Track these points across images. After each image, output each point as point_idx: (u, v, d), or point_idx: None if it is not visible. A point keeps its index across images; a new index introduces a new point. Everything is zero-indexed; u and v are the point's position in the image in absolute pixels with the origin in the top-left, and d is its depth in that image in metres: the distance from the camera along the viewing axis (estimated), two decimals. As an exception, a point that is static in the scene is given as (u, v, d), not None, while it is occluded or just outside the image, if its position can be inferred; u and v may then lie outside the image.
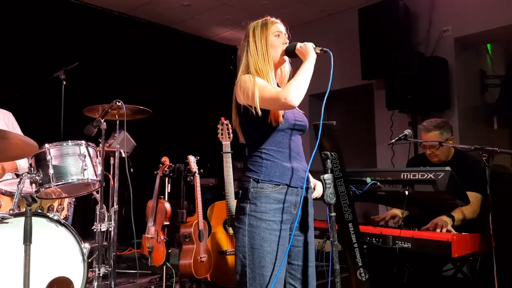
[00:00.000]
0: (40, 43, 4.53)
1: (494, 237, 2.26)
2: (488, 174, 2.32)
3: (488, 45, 4.99)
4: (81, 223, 3.32)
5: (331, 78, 1.76)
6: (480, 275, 2.56)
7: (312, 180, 2.05)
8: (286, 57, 1.94)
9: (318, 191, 2.05)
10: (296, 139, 1.91)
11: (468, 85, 4.58)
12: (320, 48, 1.86)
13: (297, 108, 1.95)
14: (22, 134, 3.12)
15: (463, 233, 2.33)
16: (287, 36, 1.96)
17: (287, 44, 1.92)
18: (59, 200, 2.89)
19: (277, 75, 1.98)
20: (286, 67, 1.99)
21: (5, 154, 2.40)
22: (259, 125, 1.84)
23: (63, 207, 2.93)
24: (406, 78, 4.20)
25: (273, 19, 1.96)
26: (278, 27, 1.94)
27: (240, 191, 1.88)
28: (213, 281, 3.19)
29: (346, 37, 4.98)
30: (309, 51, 1.83)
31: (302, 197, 1.85)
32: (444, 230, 2.44)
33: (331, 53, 1.83)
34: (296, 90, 1.73)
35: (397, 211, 2.95)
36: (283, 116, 1.83)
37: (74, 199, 3.06)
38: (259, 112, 1.78)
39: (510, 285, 2.26)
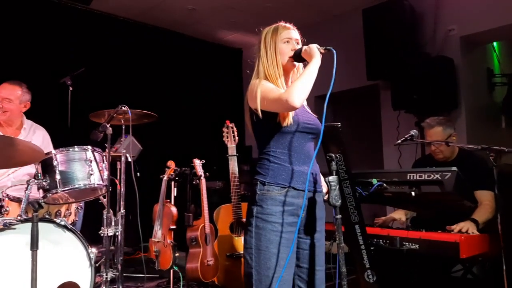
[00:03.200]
0: (44, 48, 4.56)
1: (503, 238, 2.23)
2: (495, 173, 2.29)
3: (495, 43, 4.94)
4: (88, 228, 3.33)
5: (334, 75, 1.77)
6: (490, 276, 2.54)
7: (324, 184, 2.04)
8: (296, 63, 1.95)
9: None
10: (305, 141, 1.91)
11: (475, 84, 4.54)
12: (324, 48, 1.87)
13: (309, 111, 1.97)
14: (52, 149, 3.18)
15: (471, 234, 2.30)
16: (298, 42, 1.97)
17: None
18: (67, 205, 2.91)
19: (289, 80, 1.99)
20: (301, 71, 1.99)
21: (13, 160, 2.42)
22: (267, 128, 1.87)
23: (71, 212, 2.95)
24: (412, 78, 4.17)
25: (286, 24, 1.98)
26: (289, 33, 1.95)
27: (249, 194, 1.91)
28: (221, 284, 3.19)
29: (351, 38, 4.97)
30: (314, 52, 1.84)
31: (305, 199, 1.85)
32: (470, 232, 2.41)
33: (335, 51, 1.84)
34: (298, 91, 1.75)
35: (398, 215, 2.93)
36: (295, 119, 1.85)
37: (81, 204, 3.08)
38: (260, 114, 1.81)
39: (520, 286, 2.23)
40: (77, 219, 3.02)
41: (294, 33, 1.97)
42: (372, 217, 3.11)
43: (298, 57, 1.91)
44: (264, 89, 1.82)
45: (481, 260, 2.53)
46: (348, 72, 4.86)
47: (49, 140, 3.26)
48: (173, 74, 5.74)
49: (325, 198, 2.01)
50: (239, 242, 3.22)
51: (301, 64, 1.98)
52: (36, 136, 3.14)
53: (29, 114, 3.32)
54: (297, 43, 1.96)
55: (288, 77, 1.98)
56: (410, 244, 2.35)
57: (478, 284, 2.77)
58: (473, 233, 2.39)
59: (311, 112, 1.99)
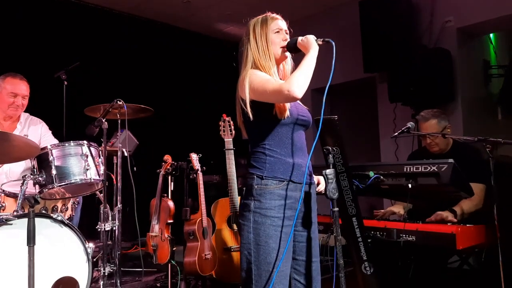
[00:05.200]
0: (40, 43, 4.52)
1: (499, 229, 2.25)
2: (492, 165, 2.30)
3: (491, 35, 4.94)
4: (86, 223, 3.34)
5: (333, 68, 1.76)
6: (486, 266, 2.55)
7: (316, 177, 2.04)
8: (287, 53, 1.94)
9: (321, 185, 2.05)
10: (299, 134, 1.90)
11: (472, 76, 4.54)
12: (322, 39, 1.85)
13: (300, 103, 1.96)
14: (53, 140, 3.17)
15: (467, 225, 2.31)
16: (287, 32, 1.95)
17: (287, 41, 1.92)
18: (63, 200, 2.90)
19: (280, 71, 1.98)
20: (288, 63, 1.99)
21: (8, 156, 2.41)
22: (262, 120, 1.85)
23: (67, 207, 2.95)
24: (409, 71, 4.17)
25: (274, 15, 1.96)
26: (278, 23, 1.93)
27: (244, 188, 1.89)
28: (218, 278, 3.20)
29: (347, 30, 4.95)
30: (311, 43, 1.83)
31: (303, 192, 1.85)
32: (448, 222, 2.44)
33: (333, 43, 1.82)
34: (299, 82, 1.73)
35: (397, 209, 2.94)
36: (290, 111, 1.83)
37: (78, 199, 3.08)
38: (248, 106, 1.79)
39: (516, 276, 2.25)
40: (73, 214, 3.01)
41: (283, 23, 1.95)
42: (369, 209, 3.13)
43: (293, 47, 1.89)
44: (260, 80, 1.80)
45: (477, 251, 2.54)
46: (345, 64, 4.84)
47: (47, 131, 3.23)
48: (168, 68, 5.70)
49: (317, 190, 2.01)
50: (237, 235, 3.22)
51: (289, 55, 1.96)
52: (33, 131, 3.13)
53: (25, 109, 3.30)
54: (287, 33, 1.95)
55: (279, 68, 1.97)
56: (407, 236, 2.36)
57: (474, 275, 2.79)
58: (450, 223, 2.41)
59: (302, 104, 1.98)
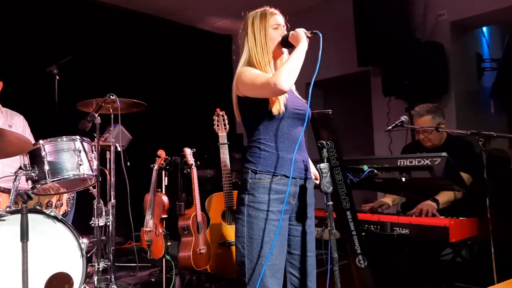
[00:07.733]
0: (32, 37, 4.48)
1: (491, 221, 2.26)
2: (484, 158, 2.31)
3: (484, 28, 4.96)
4: (80, 218, 3.32)
5: (320, 59, 1.77)
6: (478, 258, 2.58)
7: (313, 171, 2.04)
8: (284, 49, 1.94)
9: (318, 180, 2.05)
10: (296, 128, 1.90)
11: (465, 70, 4.56)
12: (310, 32, 1.86)
13: (299, 97, 1.96)
14: (31, 137, 3.16)
15: (460, 218, 2.33)
16: (285, 27, 1.96)
17: None
18: (58, 196, 2.88)
19: (277, 66, 1.98)
20: (285, 58, 1.99)
21: (1, 151, 2.39)
22: (257, 116, 1.85)
23: (62, 203, 2.93)
24: (402, 64, 4.18)
25: (272, 10, 1.96)
26: (277, 19, 1.93)
27: (240, 182, 1.89)
28: (213, 272, 3.20)
29: (342, 24, 4.93)
30: (300, 36, 1.83)
31: (289, 186, 1.84)
32: (429, 214, 2.46)
33: (321, 35, 1.83)
34: (286, 75, 1.73)
35: (387, 200, 2.97)
36: (285, 105, 1.83)
37: (73, 195, 3.06)
38: (235, 104, 1.85)
39: (508, 268, 2.27)
40: (69, 209, 3.00)
41: (281, 19, 1.95)
42: (363, 203, 3.14)
43: (285, 42, 1.89)
44: (250, 75, 1.81)
45: (469, 243, 2.56)
46: (339, 58, 4.86)
47: (28, 127, 3.24)
48: (162, 62, 5.67)
49: (316, 183, 2.01)
50: (231, 230, 3.22)
51: (286, 50, 1.96)
52: (15, 122, 3.12)
53: (16, 104, 3.28)
54: (284, 29, 1.95)
55: (276, 63, 1.97)
56: (400, 229, 2.38)
57: (467, 267, 2.82)
58: (433, 215, 2.44)
59: (300, 97, 1.98)
